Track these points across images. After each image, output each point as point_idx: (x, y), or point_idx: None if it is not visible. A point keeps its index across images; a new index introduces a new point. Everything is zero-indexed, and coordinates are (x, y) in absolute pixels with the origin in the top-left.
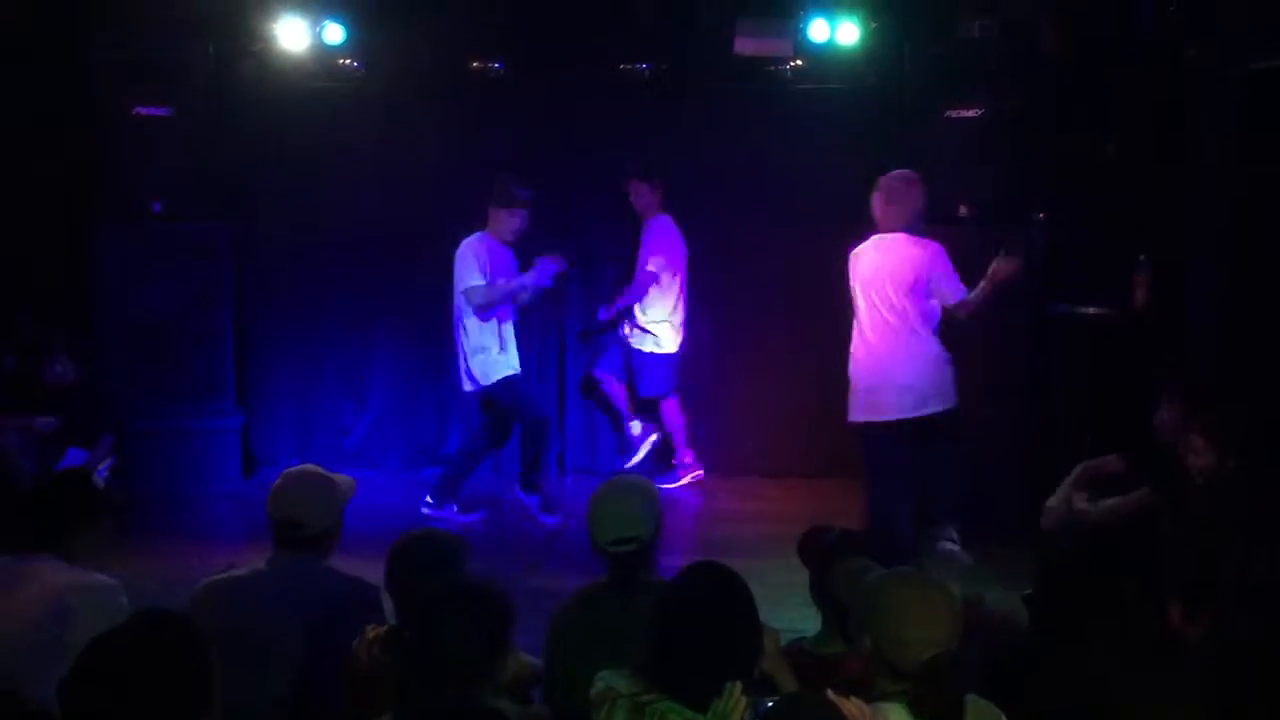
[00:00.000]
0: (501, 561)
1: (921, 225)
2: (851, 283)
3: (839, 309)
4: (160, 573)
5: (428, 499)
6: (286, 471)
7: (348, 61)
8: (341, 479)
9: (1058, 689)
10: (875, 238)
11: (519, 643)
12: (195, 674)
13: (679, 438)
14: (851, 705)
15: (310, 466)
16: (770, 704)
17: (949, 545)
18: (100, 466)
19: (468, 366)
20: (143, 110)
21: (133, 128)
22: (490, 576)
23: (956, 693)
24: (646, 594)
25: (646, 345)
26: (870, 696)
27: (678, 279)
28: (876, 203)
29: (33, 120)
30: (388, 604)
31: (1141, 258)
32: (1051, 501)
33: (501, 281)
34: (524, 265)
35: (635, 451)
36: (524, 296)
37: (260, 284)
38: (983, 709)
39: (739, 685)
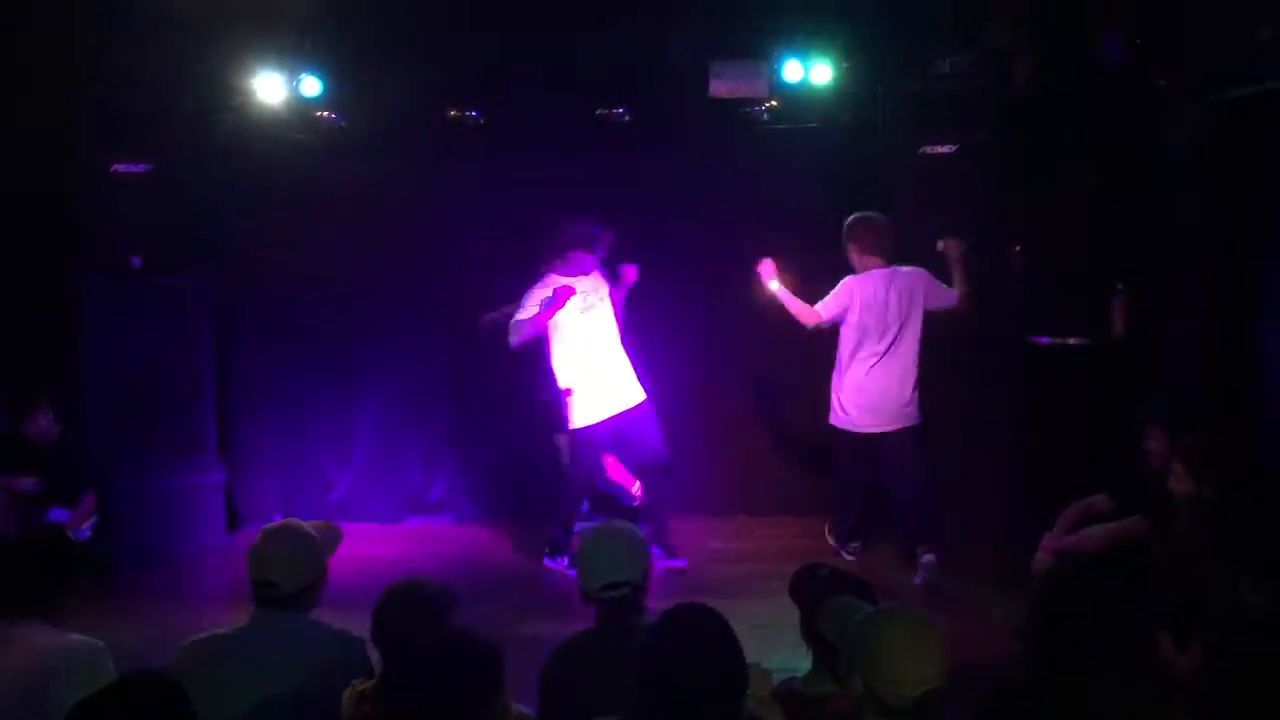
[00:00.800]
0: (493, 608)
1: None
2: (860, 310)
3: (825, 345)
4: (145, 631)
5: None
6: (264, 530)
7: (325, 114)
8: (324, 529)
9: None
10: (876, 271)
11: (509, 691)
12: None
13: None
14: None
15: (290, 523)
16: None
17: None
18: (83, 525)
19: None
20: (121, 167)
21: (112, 184)
22: (477, 625)
23: None
24: (636, 639)
25: None
26: None
27: None
28: (869, 238)
29: (12, 177)
30: (374, 655)
31: (1120, 286)
32: (1043, 548)
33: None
34: None
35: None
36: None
37: (241, 337)
38: None
39: None
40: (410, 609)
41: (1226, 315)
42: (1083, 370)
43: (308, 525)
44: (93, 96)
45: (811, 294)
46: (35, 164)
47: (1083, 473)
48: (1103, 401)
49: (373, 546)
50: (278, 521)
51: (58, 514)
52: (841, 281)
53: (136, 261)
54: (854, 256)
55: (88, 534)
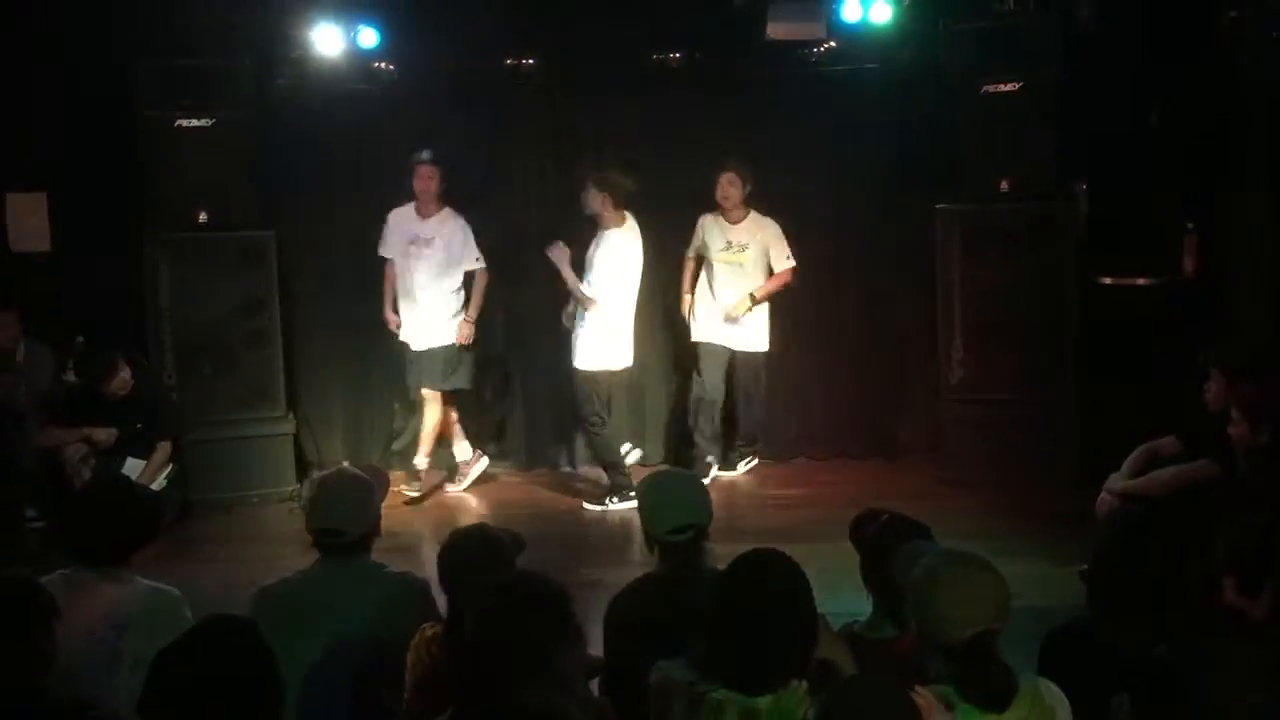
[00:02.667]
0: (555, 553)
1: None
2: None
3: (881, 291)
4: (218, 577)
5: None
6: (321, 480)
7: (383, 64)
8: (373, 472)
9: (1116, 665)
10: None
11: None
12: (263, 679)
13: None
14: (920, 699)
15: (343, 470)
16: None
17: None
18: (159, 475)
19: None
20: (184, 121)
21: (175, 139)
22: (543, 570)
23: (1004, 673)
24: (702, 582)
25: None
26: (925, 678)
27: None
28: (746, 184)
29: (79, 137)
30: (440, 598)
31: (1189, 225)
32: (1105, 491)
33: None
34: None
35: (466, 477)
36: None
37: (306, 289)
38: (1041, 688)
39: (804, 685)
40: (475, 555)
41: None
42: (1151, 310)
43: (358, 470)
44: (154, 53)
45: (873, 241)
46: (100, 123)
47: (1151, 415)
48: (1171, 342)
49: (437, 494)
50: (331, 471)
51: (133, 464)
52: (768, 223)
53: (202, 216)
54: (742, 196)
55: (163, 484)
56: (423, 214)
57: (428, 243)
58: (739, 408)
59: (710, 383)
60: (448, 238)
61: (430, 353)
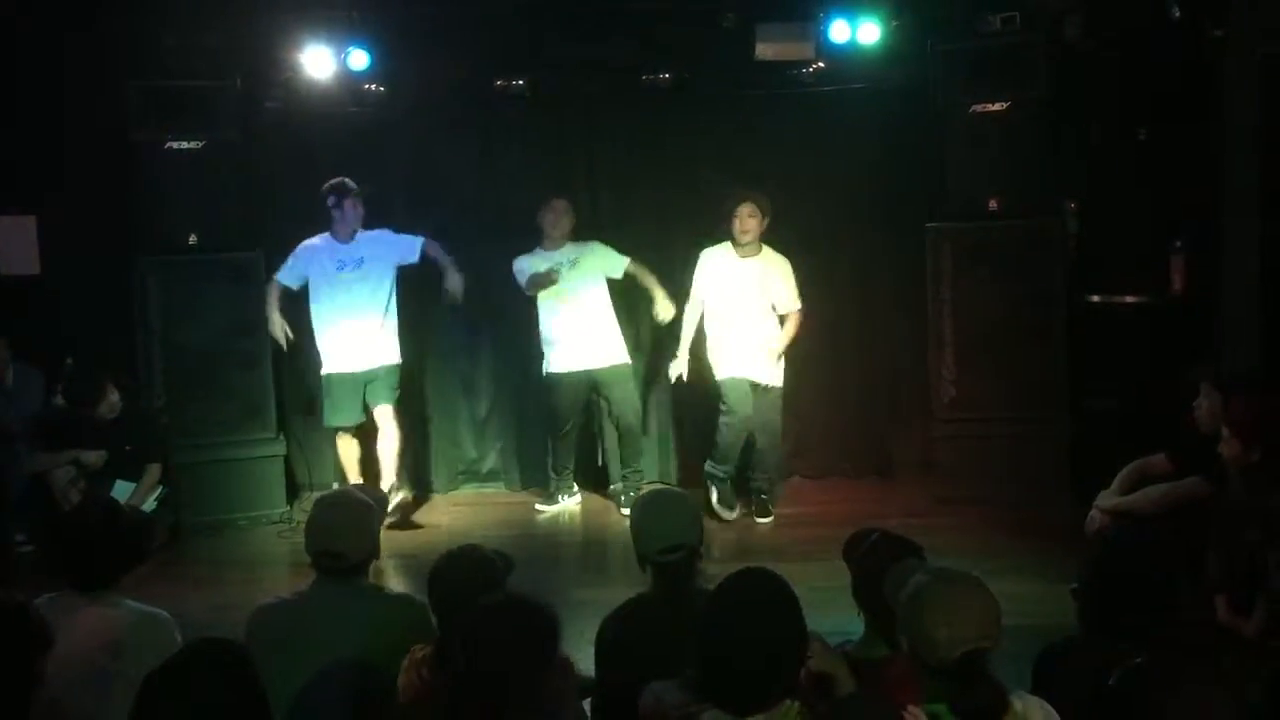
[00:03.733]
0: (547, 574)
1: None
2: None
3: (872, 309)
4: (209, 600)
5: None
6: (319, 500)
7: (373, 86)
8: (374, 494)
9: (1106, 683)
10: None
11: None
12: (251, 702)
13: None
14: (912, 718)
15: (345, 491)
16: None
17: None
18: (148, 497)
19: None
20: (174, 144)
21: (165, 161)
22: (533, 591)
23: (994, 691)
24: (694, 603)
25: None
26: (919, 697)
27: None
28: (766, 217)
29: (67, 156)
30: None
31: (1177, 243)
32: (1095, 509)
33: None
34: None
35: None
36: None
37: (297, 310)
38: (1033, 706)
39: (796, 705)
40: (466, 576)
41: None
42: (1141, 328)
43: (359, 492)
44: (144, 76)
45: (863, 261)
46: (90, 145)
47: (1141, 432)
48: (1161, 360)
49: (428, 515)
50: (332, 492)
51: (122, 487)
52: (781, 259)
53: (193, 238)
54: (760, 230)
55: (153, 506)
56: (344, 238)
57: (358, 264)
58: (759, 442)
59: (743, 415)
60: (376, 252)
61: (376, 372)
